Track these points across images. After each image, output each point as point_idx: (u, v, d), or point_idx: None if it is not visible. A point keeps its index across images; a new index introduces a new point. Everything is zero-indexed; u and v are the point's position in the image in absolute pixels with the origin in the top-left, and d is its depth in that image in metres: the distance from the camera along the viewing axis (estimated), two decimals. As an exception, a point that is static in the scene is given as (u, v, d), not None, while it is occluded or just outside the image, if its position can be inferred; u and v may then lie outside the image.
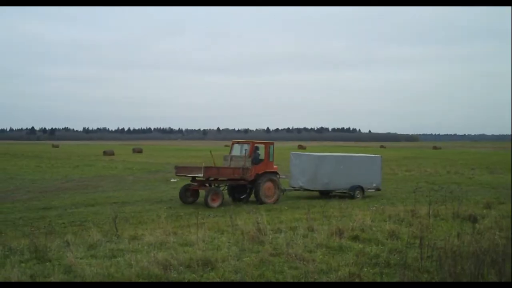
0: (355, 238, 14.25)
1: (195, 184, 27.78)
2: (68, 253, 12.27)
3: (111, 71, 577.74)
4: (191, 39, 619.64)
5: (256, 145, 29.03)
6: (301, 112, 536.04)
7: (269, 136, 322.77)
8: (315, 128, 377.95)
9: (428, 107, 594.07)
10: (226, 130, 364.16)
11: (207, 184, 27.67)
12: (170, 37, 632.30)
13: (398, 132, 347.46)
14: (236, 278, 10.42)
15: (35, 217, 22.00)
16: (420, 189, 25.31)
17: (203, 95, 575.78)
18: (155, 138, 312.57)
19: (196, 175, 27.53)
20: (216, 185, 27.82)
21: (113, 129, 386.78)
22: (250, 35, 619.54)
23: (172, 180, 38.31)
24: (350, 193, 30.20)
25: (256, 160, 28.33)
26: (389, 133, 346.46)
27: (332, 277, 10.35)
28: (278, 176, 28.94)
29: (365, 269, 10.85)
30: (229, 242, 14.00)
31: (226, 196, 28.34)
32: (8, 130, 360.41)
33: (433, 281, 9.90)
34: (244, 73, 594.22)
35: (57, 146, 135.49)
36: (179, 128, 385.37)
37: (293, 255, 11.93)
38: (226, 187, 28.70)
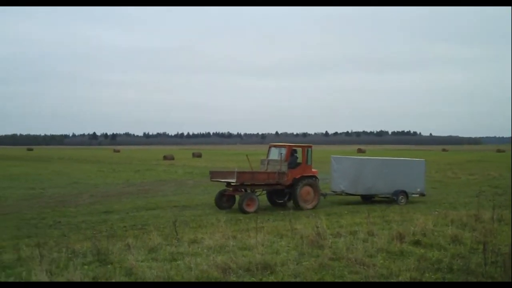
0: (417, 243, 14.03)
1: (230, 189, 26.91)
2: (129, 256, 12.45)
3: (170, 76, 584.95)
4: (249, 43, 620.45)
5: (293, 148, 28.15)
6: (360, 115, 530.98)
7: (328, 139, 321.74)
8: (375, 132, 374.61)
9: (491, 108, 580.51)
10: (285, 134, 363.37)
11: (242, 189, 26.68)
12: (228, 41, 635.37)
13: (460, 135, 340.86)
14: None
15: (97, 221, 22.37)
16: (484, 193, 24.76)
17: (261, 99, 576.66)
18: (214, 143, 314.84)
19: (230, 180, 26.62)
20: (251, 190, 26.74)
21: (173, 134, 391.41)
22: (308, 37, 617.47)
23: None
24: (394, 198, 29.18)
25: (293, 164, 27.46)
26: (450, 136, 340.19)
27: (393, 282, 10.22)
28: (317, 180, 27.98)
29: (427, 275, 10.68)
30: (288, 246, 13.99)
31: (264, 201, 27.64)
32: (71, 135, 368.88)
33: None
34: (303, 76, 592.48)
35: (118, 151, 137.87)
36: (238, 133, 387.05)
37: (353, 259, 11.83)
38: (264, 192, 27.88)
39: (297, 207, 26.41)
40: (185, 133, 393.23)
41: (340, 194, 30.05)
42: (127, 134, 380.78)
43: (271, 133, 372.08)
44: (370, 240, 14.32)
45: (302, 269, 11.28)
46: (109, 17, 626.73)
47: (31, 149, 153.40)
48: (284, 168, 26.84)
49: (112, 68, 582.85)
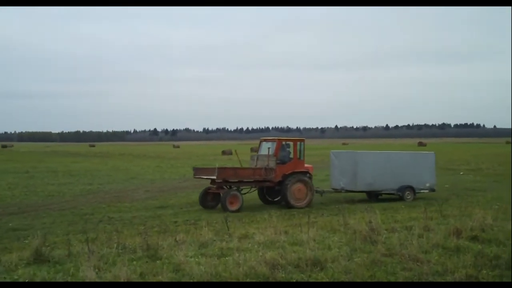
0: (474, 238, 13.47)
1: (214, 186, 25.73)
2: (178, 251, 12.31)
3: (229, 72, 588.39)
4: (306, 37, 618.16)
5: (284, 142, 26.73)
6: (421, 108, 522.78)
7: (389, 133, 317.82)
8: (437, 125, 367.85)
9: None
10: (344, 128, 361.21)
11: (227, 187, 25.59)
12: (286, 36, 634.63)
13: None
14: (346, 278, 10.06)
15: (150, 216, 22.46)
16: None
17: (320, 93, 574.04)
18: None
19: (212, 177, 25.38)
20: (235, 187, 25.56)
21: (232, 129, 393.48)
22: (366, 30, 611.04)
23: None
24: (399, 194, 28.01)
25: (285, 159, 26.18)
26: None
27: (448, 279, 9.81)
28: (309, 176, 26.62)
29: (484, 271, 10.19)
30: (340, 242, 13.62)
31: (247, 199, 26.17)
32: (132, 131, 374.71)
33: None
34: (362, 69, 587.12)
35: (178, 147, 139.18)
36: (297, 127, 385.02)
37: (407, 255, 11.41)
38: (252, 189, 26.95)
39: (288, 205, 25.38)
40: (245, 128, 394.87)
41: (340, 192, 28.82)
42: (187, 130, 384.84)
43: (331, 127, 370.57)
44: (426, 235, 13.83)
45: (353, 265, 10.92)
46: (173, 16, 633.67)
47: (93, 146, 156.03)
48: (272, 163, 25.60)
49: (175, 65, 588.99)
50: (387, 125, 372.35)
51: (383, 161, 29.22)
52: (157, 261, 11.81)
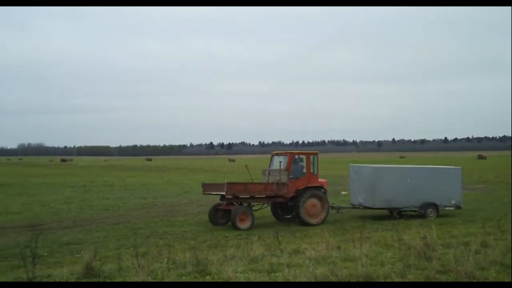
0: (535, 255, 12.92)
1: (224, 203, 24.55)
2: (228, 267, 12.16)
3: (283, 85, 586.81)
4: (359, 49, 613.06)
5: (295, 156, 25.72)
6: (481, 120, 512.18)
7: (447, 146, 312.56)
8: (497, 137, 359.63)
9: None
10: (402, 141, 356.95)
11: (237, 203, 24.46)
12: (337, 48, 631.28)
13: None
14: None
15: (202, 230, 22.41)
16: None
17: (376, 106, 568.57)
18: (329, 151, 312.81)
19: (221, 193, 24.29)
20: (248, 203, 24.50)
21: (288, 142, 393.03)
22: (420, 41, 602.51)
23: (343, 193, 37.71)
24: (421, 212, 26.44)
25: (298, 174, 25.19)
26: None
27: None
28: (324, 191, 25.48)
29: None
30: (394, 258, 13.26)
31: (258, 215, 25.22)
32: (188, 145, 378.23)
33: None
34: (418, 81, 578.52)
35: (233, 160, 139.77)
36: (353, 140, 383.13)
37: (463, 273, 10.99)
38: (265, 205, 25.86)
39: (301, 222, 24.32)
40: (300, 141, 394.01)
41: (358, 208, 27.78)
42: (243, 143, 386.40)
43: (388, 140, 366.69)
44: (483, 251, 13.33)
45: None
46: (224, 30, 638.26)
47: (150, 160, 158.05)
48: (284, 178, 24.56)
49: (230, 79, 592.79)
50: (445, 138, 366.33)
51: (404, 176, 27.58)
52: (207, 276, 11.71)
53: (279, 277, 11.24)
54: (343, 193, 37.85)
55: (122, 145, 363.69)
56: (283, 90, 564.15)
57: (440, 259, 12.56)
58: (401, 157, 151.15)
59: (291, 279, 10.78)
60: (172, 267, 12.83)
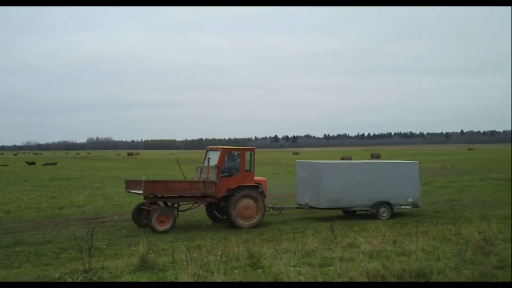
0: None
1: (147, 202, 22.38)
2: (280, 260, 12.10)
3: (348, 78, 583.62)
4: (427, 42, 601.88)
5: (229, 152, 23.76)
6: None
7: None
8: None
9: None
10: (471, 133, 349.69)
11: (160, 203, 22.49)
12: (406, 41, 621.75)
13: None
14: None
15: (262, 224, 22.40)
16: None
17: (444, 98, 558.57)
18: (395, 143, 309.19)
19: (140, 192, 22.17)
20: (172, 203, 22.53)
21: (353, 135, 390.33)
22: (490, 34, 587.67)
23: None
24: (373, 212, 24.63)
25: (232, 171, 23.08)
26: None
27: None
28: (261, 191, 23.24)
29: None
30: (451, 252, 12.96)
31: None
32: (253, 138, 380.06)
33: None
34: (487, 73, 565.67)
35: (297, 153, 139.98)
36: (420, 132, 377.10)
37: (521, 268, 10.64)
38: (195, 205, 23.76)
39: (232, 225, 22.16)
40: (366, 134, 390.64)
41: (304, 208, 25.75)
42: (307, 136, 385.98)
43: (456, 132, 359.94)
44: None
45: (460, 277, 10.29)
46: (288, 25, 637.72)
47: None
48: (212, 176, 22.35)
49: (293, 73, 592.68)
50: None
51: (353, 173, 25.35)
52: (259, 270, 11.68)
53: (331, 271, 11.14)
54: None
55: (188, 139, 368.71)
56: (350, 83, 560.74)
57: (498, 254, 12.19)
58: (469, 149, 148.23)
59: (343, 273, 10.66)
60: (226, 260, 12.87)
